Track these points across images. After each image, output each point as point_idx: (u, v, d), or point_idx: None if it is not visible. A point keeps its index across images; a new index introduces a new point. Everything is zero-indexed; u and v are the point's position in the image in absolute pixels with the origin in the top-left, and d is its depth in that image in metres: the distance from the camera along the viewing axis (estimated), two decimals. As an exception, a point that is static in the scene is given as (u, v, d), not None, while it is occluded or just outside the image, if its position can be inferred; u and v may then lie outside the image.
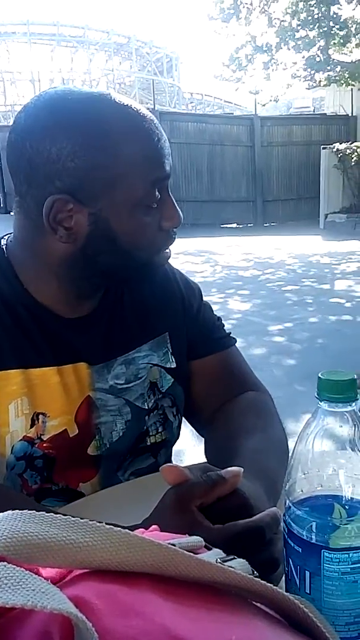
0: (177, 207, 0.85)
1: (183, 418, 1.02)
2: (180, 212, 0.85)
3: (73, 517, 0.35)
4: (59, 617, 0.28)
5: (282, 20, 13.96)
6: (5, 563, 0.29)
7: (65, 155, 0.75)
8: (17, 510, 0.35)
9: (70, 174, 0.76)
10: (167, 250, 0.88)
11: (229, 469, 0.63)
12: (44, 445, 0.85)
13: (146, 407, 0.94)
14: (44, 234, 0.80)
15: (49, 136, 0.76)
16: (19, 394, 0.84)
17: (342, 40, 13.78)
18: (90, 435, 0.89)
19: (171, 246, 0.89)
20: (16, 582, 0.28)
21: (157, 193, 0.80)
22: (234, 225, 13.93)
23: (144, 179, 0.78)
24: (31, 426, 0.85)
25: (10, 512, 0.34)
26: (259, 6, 13.92)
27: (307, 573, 0.49)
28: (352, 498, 0.50)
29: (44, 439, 0.85)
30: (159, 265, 0.90)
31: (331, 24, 13.56)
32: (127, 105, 0.80)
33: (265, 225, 13.96)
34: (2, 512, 0.35)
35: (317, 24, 13.58)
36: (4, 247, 0.90)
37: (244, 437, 0.85)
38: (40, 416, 0.85)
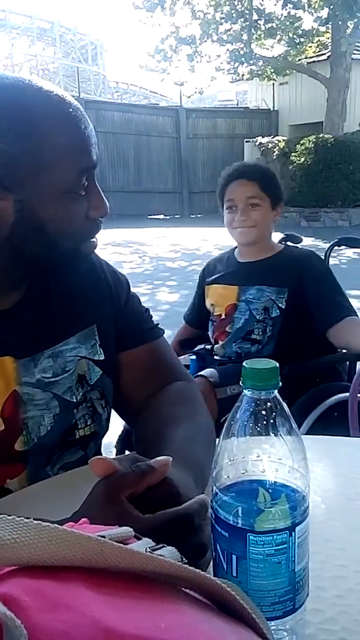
0: (104, 197, 0.85)
1: (112, 410, 1.02)
2: (107, 202, 0.85)
3: (0, 514, 0.34)
4: (-14, 617, 0.28)
5: (206, 13, 14.03)
6: None
7: None
8: None
9: None
10: (94, 240, 0.88)
11: (158, 458, 0.64)
12: None
13: (74, 400, 0.93)
14: None
15: None
16: None
17: (266, 34, 14.01)
18: (17, 431, 0.88)
19: (97, 235, 0.88)
20: None
21: (84, 181, 0.80)
22: (161, 216, 13.96)
23: (70, 167, 0.78)
24: None
25: None
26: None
27: (234, 557, 0.51)
28: (275, 482, 0.52)
29: None
30: (86, 254, 0.89)
31: (255, 16, 13.76)
32: (53, 92, 0.79)
33: (192, 216, 14.07)
34: None
35: (241, 17, 13.74)
36: None
37: (172, 427, 0.86)
38: None
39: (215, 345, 1.97)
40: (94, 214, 0.84)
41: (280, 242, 2.13)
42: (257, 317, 1.88)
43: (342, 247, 2.28)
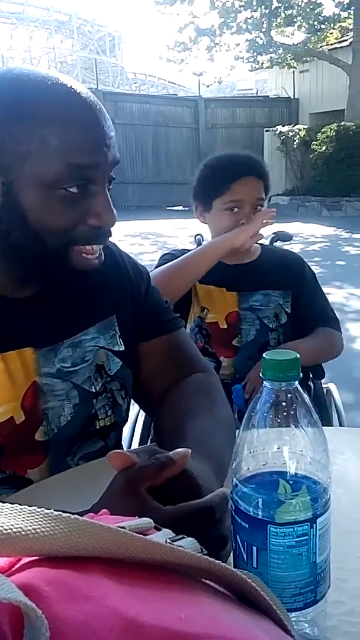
0: (111, 207, 0.82)
1: (132, 400, 1.03)
2: (114, 213, 0.82)
3: (21, 504, 0.35)
4: (8, 607, 0.28)
5: (225, 1, 13.89)
6: None
7: None
8: None
9: None
10: (91, 257, 0.84)
11: (177, 450, 0.64)
12: None
13: (94, 391, 0.94)
14: None
15: None
16: None
17: (285, 21, 13.83)
18: (37, 421, 0.88)
19: (98, 254, 0.85)
20: None
21: (79, 181, 0.78)
22: (180, 207, 13.93)
23: (57, 160, 0.76)
24: None
25: None
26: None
27: (254, 548, 0.51)
28: (296, 474, 0.51)
29: None
30: (77, 264, 0.84)
31: (275, 3, 13.58)
32: (67, 87, 0.78)
33: (211, 207, 13.99)
34: None
35: (261, 5, 13.58)
36: None
37: (192, 418, 0.86)
38: None
39: (222, 364, 1.67)
40: (92, 221, 0.81)
41: (271, 242, 1.96)
42: (270, 326, 1.66)
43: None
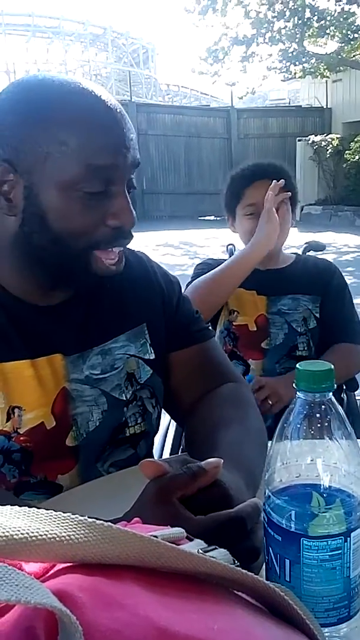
0: (130, 208, 0.81)
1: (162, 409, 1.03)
2: (133, 214, 0.82)
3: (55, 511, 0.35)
4: (43, 612, 0.28)
5: (258, 12, 13.92)
6: (-12, 559, 0.29)
7: (7, 124, 0.78)
8: (-2, 506, 0.35)
9: (8, 142, 0.78)
10: (111, 261, 0.84)
11: (209, 460, 0.64)
12: (21, 439, 0.85)
13: (124, 398, 0.94)
14: None
15: (3, 108, 0.79)
16: None
17: (318, 31, 13.78)
18: (67, 426, 0.89)
19: (118, 259, 0.85)
20: (-1, 578, 0.28)
21: (99, 182, 0.78)
22: (212, 217, 13.94)
23: (76, 161, 0.77)
24: (7, 420, 0.84)
25: (-9, 508, 0.34)
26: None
27: (287, 561, 0.50)
28: (329, 487, 0.51)
29: (21, 433, 0.85)
30: (98, 270, 0.84)
31: (308, 13, 13.55)
32: (88, 90, 0.79)
33: (242, 217, 13.97)
34: None
35: (295, 15, 13.56)
36: None
37: (223, 429, 0.85)
38: (16, 410, 0.85)
39: (250, 367, 1.67)
40: (112, 222, 0.81)
41: (304, 252, 1.95)
42: (299, 330, 1.65)
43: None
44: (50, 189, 0.78)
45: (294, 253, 1.80)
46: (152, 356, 0.98)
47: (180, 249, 9.22)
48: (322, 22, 13.56)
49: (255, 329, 1.67)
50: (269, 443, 0.54)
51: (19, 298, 0.87)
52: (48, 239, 0.81)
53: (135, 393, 0.96)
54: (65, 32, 31.01)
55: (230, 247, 2.01)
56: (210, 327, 1.07)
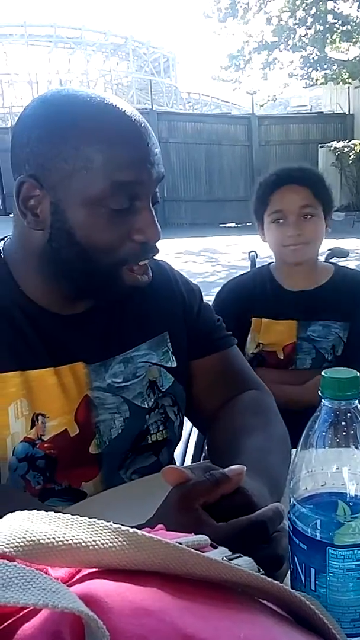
0: (155, 222, 0.82)
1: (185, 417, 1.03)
2: (158, 229, 0.82)
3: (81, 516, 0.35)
4: (69, 617, 0.28)
5: (280, 19, 13.93)
6: (15, 563, 0.30)
7: (33, 140, 0.79)
8: (25, 511, 0.35)
9: (35, 159, 0.79)
10: (140, 274, 0.85)
11: (232, 467, 0.63)
12: (45, 445, 0.86)
13: (146, 406, 0.95)
14: (23, 223, 0.83)
15: (28, 123, 0.80)
16: (18, 396, 0.84)
17: (343, 37, 13.70)
18: (90, 434, 0.90)
19: (146, 270, 0.85)
20: (27, 582, 0.28)
21: (124, 198, 0.79)
22: (233, 224, 13.93)
23: (102, 178, 0.77)
24: (31, 427, 0.85)
25: (19, 512, 0.35)
26: (256, 5, 13.90)
27: (313, 570, 0.49)
28: (356, 495, 0.50)
29: (45, 440, 0.86)
30: (128, 282, 0.85)
31: (331, 19, 13.50)
32: (113, 106, 0.80)
33: (264, 224, 13.94)
34: (10, 512, 0.36)
35: (318, 21, 13.53)
36: (1, 248, 0.91)
37: (246, 436, 0.85)
38: (40, 417, 0.86)
39: None
40: (138, 237, 0.81)
41: (326, 258, 1.89)
42: (327, 357, 1.58)
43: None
44: (77, 205, 0.79)
45: (332, 262, 1.72)
46: (174, 364, 0.98)
47: (201, 256, 9.22)
48: (346, 27, 13.49)
49: (282, 357, 1.62)
50: (294, 451, 0.54)
51: (43, 308, 0.88)
52: (76, 254, 0.81)
53: (157, 401, 0.96)
54: (87, 42, 31.40)
55: (252, 254, 2.00)
56: (232, 335, 1.06)
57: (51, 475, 0.87)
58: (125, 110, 0.80)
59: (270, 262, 1.70)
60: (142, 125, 0.81)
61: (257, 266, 1.88)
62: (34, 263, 0.86)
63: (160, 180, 0.83)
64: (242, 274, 1.75)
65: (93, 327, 0.91)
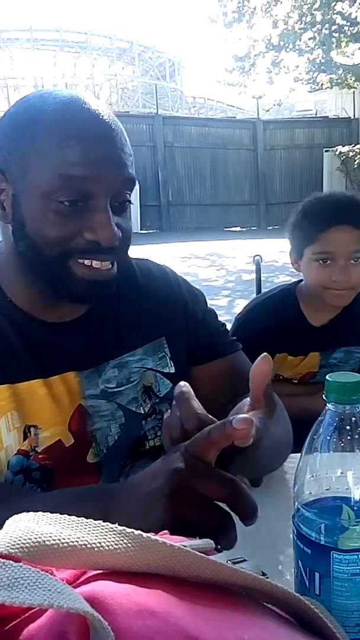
0: (109, 224, 0.79)
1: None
2: (112, 231, 0.79)
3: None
4: (74, 617, 0.29)
5: (285, 23, 13.95)
6: (21, 564, 0.30)
7: (1, 134, 0.81)
8: (31, 512, 0.35)
9: (1, 152, 0.80)
10: (96, 266, 0.81)
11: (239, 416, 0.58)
12: (40, 456, 0.85)
13: (142, 412, 0.94)
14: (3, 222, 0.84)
15: (3, 119, 0.82)
16: (8, 409, 0.83)
17: (352, 39, 13.68)
18: (86, 443, 0.89)
19: (109, 267, 0.82)
20: (32, 583, 0.28)
21: (74, 193, 0.78)
22: (238, 228, 13.95)
23: (51, 171, 0.77)
24: (24, 439, 0.84)
25: (24, 513, 0.35)
26: (262, 9, 13.93)
27: (317, 575, 0.49)
28: (360, 500, 0.50)
29: (39, 451, 0.85)
30: (81, 273, 0.81)
31: (339, 20, 13.48)
32: (79, 104, 0.79)
33: (268, 228, 13.96)
34: (17, 511, 0.36)
35: (325, 25, 13.54)
36: None
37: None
38: (32, 429, 0.85)
39: None
40: (88, 235, 0.79)
41: None
42: None
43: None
44: (30, 197, 0.79)
45: None
46: (172, 370, 0.98)
47: (206, 260, 9.23)
48: (355, 28, 13.49)
49: (296, 382, 1.58)
50: (298, 455, 0.54)
51: (33, 316, 0.87)
52: (26, 245, 0.81)
53: (154, 406, 0.96)
54: (93, 47, 31.50)
55: (257, 258, 1.99)
56: (236, 340, 1.06)
57: (48, 486, 0.86)
58: (92, 109, 0.79)
59: (298, 282, 1.58)
60: (109, 126, 0.80)
61: (262, 272, 1.86)
62: (10, 261, 0.86)
63: (127, 182, 0.81)
64: (266, 297, 1.61)
65: (84, 334, 0.90)
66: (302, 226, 1.45)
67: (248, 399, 0.69)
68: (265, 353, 0.65)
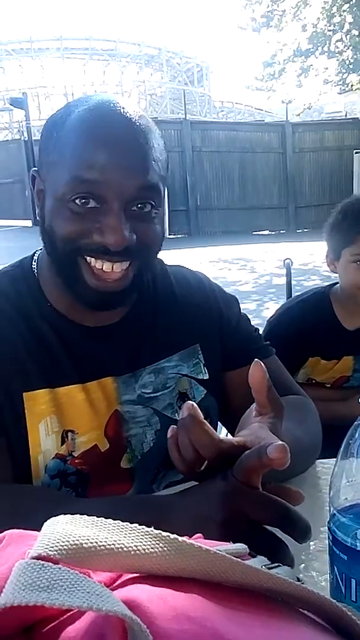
0: (119, 228, 0.78)
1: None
2: (120, 235, 0.78)
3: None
4: (113, 620, 0.29)
5: (314, 26, 13.86)
6: (60, 566, 0.30)
7: (41, 137, 0.85)
8: (68, 515, 0.36)
9: (38, 154, 0.85)
10: (104, 274, 0.81)
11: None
12: (76, 461, 0.86)
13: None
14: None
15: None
16: (48, 413, 0.85)
17: None
18: (122, 449, 0.90)
19: (120, 276, 0.82)
20: (71, 585, 0.29)
21: (86, 195, 0.78)
22: (266, 232, 13.87)
23: (66, 172, 0.78)
24: (62, 444, 0.85)
25: (62, 516, 0.35)
26: (291, 13, 13.87)
27: (353, 581, 0.49)
28: None
29: (75, 456, 0.86)
30: (90, 282, 0.81)
31: None
32: (106, 108, 0.80)
33: (297, 231, 13.86)
34: (54, 515, 0.36)
35: (354, 27, 13.42)
36: (34, 261, 0.92)
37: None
38: (70, 433, 0.86)
39: None
40: (97, 237, 0.79)
41: None
42: None
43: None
44: (50, 195, 0.82)
45: None
46: (206, 376, 0.98)
47: (235, 264, 9.20)
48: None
49: (329, 385, 1.59)
50: (333, 460, 0.53)
51: (73, 321, 0.89)
52: (46, 241, 0.84)
53: None
54: (121, 54, 31.82)
55: (287, 261, 1.98)
56: (269, 344, 1.05)
57: (83, 491, 0.86)
58: (117, 114, 0.79)
59: (332, 285, 1.59)
60: (132, 130, 0.79)
61: (292, 276, 1.83)
62: (49, 266, 0.88)
63: (144, 189, 0.79)
64: (299, 301, 1.62)
65: (121, 339, 0.91)
66: (341, 227, 1.45)
67: (254, 405, 0.69)
68: (256, 359, 0.67)
